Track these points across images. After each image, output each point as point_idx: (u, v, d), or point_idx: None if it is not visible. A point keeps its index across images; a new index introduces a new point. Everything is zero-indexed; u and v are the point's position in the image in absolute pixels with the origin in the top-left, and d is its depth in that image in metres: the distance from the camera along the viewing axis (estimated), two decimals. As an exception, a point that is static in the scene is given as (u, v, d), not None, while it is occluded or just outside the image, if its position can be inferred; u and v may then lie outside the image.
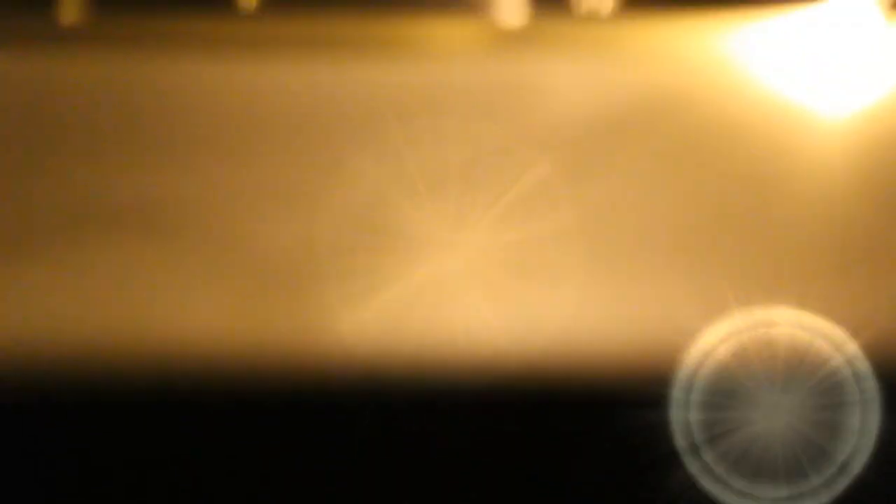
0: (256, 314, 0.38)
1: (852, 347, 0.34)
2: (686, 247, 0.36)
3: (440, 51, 0.41)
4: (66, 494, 0.42)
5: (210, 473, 0.40)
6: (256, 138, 0.39)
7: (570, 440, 0.38)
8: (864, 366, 0.35)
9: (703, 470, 0.36)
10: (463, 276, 0.38)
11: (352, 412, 0.38)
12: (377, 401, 0.37)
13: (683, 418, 0.35)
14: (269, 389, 0.37)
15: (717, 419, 0.36)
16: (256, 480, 0.40)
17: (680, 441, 0.36)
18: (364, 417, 0.38)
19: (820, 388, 0.35)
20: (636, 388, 0.35)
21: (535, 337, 0.36)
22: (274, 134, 0.39)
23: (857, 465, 0.36)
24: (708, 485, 0.36)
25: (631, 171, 0.37)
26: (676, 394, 0.35)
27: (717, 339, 0.35)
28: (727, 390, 0.36)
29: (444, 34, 0.40)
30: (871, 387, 0.35)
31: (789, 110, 0.37)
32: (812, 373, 0.35)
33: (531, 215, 0.37)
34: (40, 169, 0.40)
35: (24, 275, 0.39)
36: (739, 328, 0.35)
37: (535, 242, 0.36)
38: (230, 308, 0.38)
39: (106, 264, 0.39)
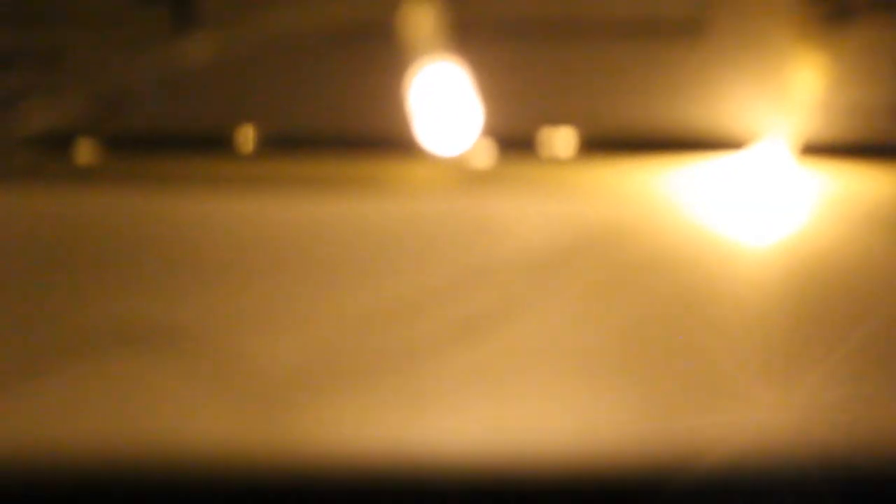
0: (256, 425, 0.42)
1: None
2: (626, 360, 0.40)
3: (417, 189, 0.45)
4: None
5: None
6: (255, 265, 0.44)
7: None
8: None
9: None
10: (440, 387, 0.42)
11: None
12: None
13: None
14: (268, 497, 0.41)
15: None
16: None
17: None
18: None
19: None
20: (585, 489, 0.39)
21: (501, 444, 0.41)
22: (270, 261, 0.44)
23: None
24: None
25: (582, 294, 0.41)
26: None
27: (658, 441, 0.39)
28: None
29: (421, 174, 0.45)
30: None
31: (716, 242, 0.41)
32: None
33: (493, 334, 0.42)
34: (57, 294, 0.44)
35: (42, 389, 0.43)
36: (676, 432, 0.39)
37: (497, 357, 0.41)
38: (231, 418, 0.42)
39: (117, 379, 0.43)
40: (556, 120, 0.45)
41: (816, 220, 0.45)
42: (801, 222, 0.42)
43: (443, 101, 0.42)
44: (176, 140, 0.49)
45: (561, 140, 0.46)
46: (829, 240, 0.44)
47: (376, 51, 0.45)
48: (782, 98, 0.45)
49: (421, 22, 0.42)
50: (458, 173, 0.46)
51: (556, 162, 0.46)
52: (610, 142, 0.45)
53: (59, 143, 0.47)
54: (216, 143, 0.49)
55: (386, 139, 0.46)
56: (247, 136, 0.49)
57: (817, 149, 0.45)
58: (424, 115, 0.42)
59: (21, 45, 0.49)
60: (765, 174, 0.43)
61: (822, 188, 0.46)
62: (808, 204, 0.45)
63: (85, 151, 0.48)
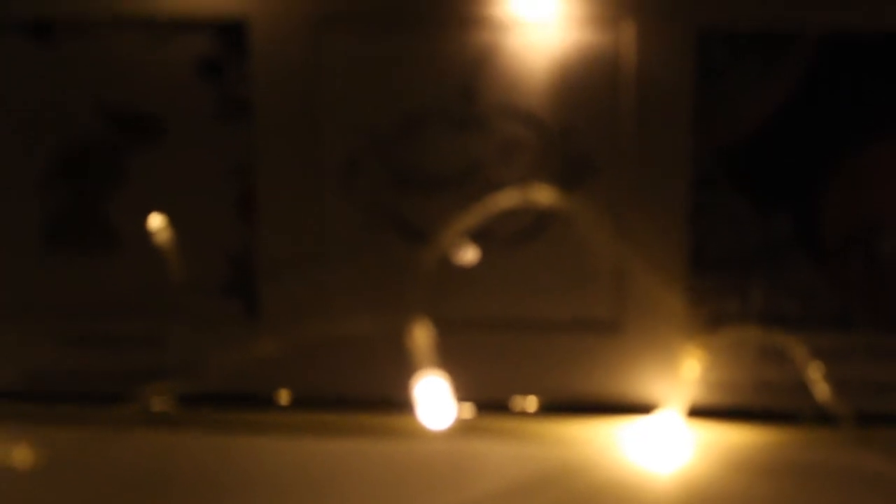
0: None
1: None
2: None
3: (414, 436, 0.61)
4: None
5: None
6: (285, 492, 0.58)
7: None
8: None
9: None
10: None
11: None
12: None
13: None
14: None
15: None
16: None
17: None
18: None
19: None
20: None
21: None
22: (309, 495, 0.58)
23: None
24: None
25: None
26: None
27: None
28: None
29: (416, 425, 0.60)
30: None
31: (633, 478, 0.58)
32: None
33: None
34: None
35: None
36: None
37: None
38: None
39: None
40: (521, 390, 0.63)
41: (701, 465, 0.62)
42: (690, 466, 0.59)
43: (436, 375, 0.58)
44: (230, 397, 0.64)
45: (526, 403, 0.63)
46: (709, 479, 0.60)
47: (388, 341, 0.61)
48: (676, 376, 0.62)
49: (421, 338, 0.59)
50: (446, 426, 0.62)
51: (521, 418, 0.63)
52: (559, 406, 0.63)
53: (139, 395, 0.62)
54: (261, 399, 0.65)
55: (390, 398, 0.62)
56: (284, 395, 0.64)
57: (699, 412, 0.63)
58: (422, 382, 0.58)
59: (123, 331, 0.64)
60: (666, 431, 0.60)
61: (704, 441, 0.63)
62: (695, 453, 0.62)
63: (158, 402, 0.63)
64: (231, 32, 0.62)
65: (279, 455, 0.64)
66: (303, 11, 0.61)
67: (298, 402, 0.65)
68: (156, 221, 0.65)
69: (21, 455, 0.59)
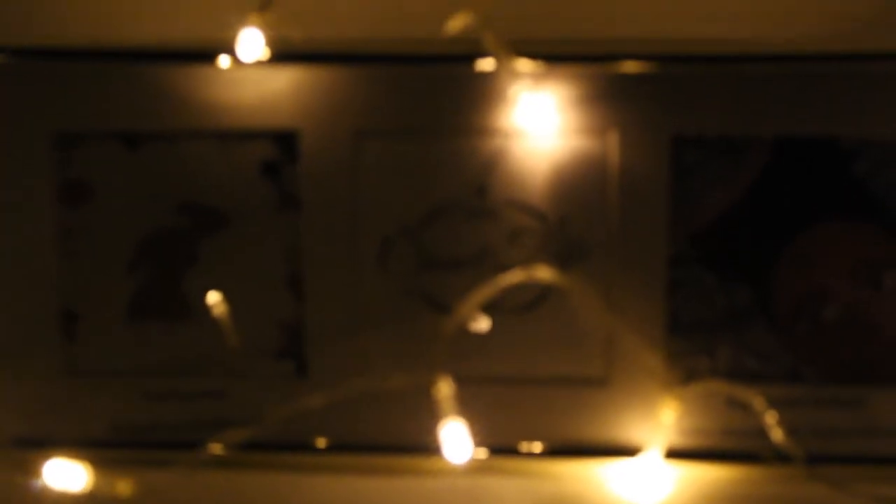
0: None
1: None
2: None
3: (436, 475, 0.71)
4: None
5: None
6: None
7: None
8: None
9: None
10: None
11: None
12: None
13: None
14: None
15: None
16: None
17: None
18: None
19: None
20: None
21: None
22: None
23: None
24: None
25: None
26: None
27: None
28: None
29: (439, 466, 0.70)
30: None
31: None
32: None
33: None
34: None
35: None
36: None
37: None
38: None
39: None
40: (527, 435, 0.73)
41: (677, 499, 0.72)
42: (668, 500, 0.69)
43: (456, 423, 0.68)
44: (282, 443, 0.74)
45: (531, 447, 0.73)
46: None
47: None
48: (656, 423, 0.72)
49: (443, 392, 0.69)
50: (464, 466, 0.72)
51: (527, 459, 0.74)
52: (559, 449, 0.73)
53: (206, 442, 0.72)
54: (307, 445, 0.75)
55: (417, 443, 0.72)
56: (322, 441, 0.75)
57: (675, 454, 0.73)
58: (445, 428, 0.68)
59: (194, 388, 0.75)
60: (647, 470, 0.70)
61: (680, 478, 0.73)
62: (672, 488, 0.71)
63: (222, 448, 0.72)
64: (286, 140, 0.72)
65: (320, 492, 0.74)
66: (343, 125, 0.72)
67: (338, 447, 0.75)
68: (213, 298, 0.75)
69: (120, 488, 0.70)
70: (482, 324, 0.72)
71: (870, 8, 1.10)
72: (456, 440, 0.67)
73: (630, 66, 0.71)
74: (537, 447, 0.75)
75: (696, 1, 1.13)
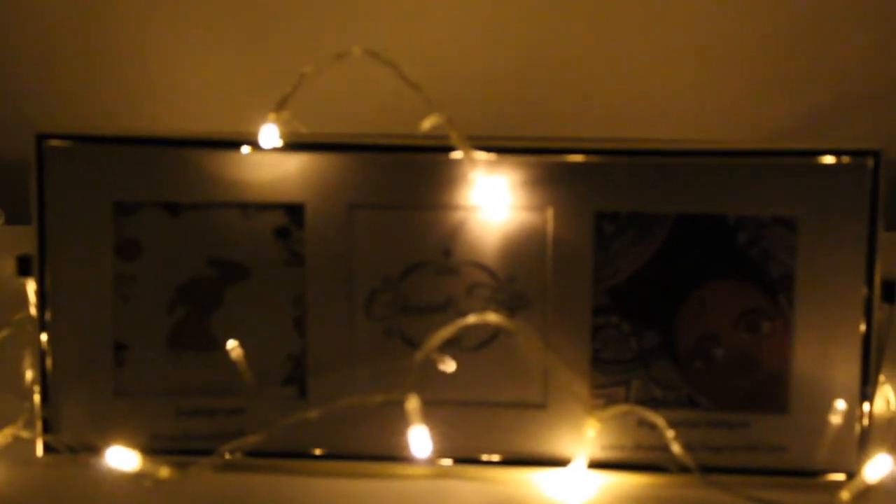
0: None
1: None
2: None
3: (407, 478, 0.83)
4: None
5: None
6: None
7: None
8: None
9: None
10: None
11: None
12: None
13: None
14: None
15: None
16: None
17: None
18: None
19: None
20: None
21: None
22: None
23: None
24: None
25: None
26: None
27: None
28: None
29: (408, 471, 0.83)
30: None
31: None
32: None
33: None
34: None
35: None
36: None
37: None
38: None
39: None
40: (480, 449, 0.84)
41: (599, 499, 0.81)
42: (592, 500, 0.81)
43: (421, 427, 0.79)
44: (286, 452, 0.86)
45: (487, 457, 0.85)
46: None
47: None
48: (582, 440, 0.82)
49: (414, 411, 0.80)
50: (433, 471, 0.85)
51: (481, 467, 0.84)
52: (507, 460, 0.84)
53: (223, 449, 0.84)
54: (305, 453, 0.87)
55: (394, 453, 0.83)
56: (319, 450, 0.85)
57: (597, 465, 0.83)
58: (412, 432, 0.78)
59: (217, 406, 0.86)
60: (576, 477, 0.82)
61: (601, 484, 0.83)
62: (595, 492, 0.82)
63: (236, 454, 0.83)
64: (295, 211, 0.85)
65: (317, 491, 0.84)
66: (340, 199, 0.84)
67: (332, 456, 0.85)
68: (231, 344, 0.86)
69: (162, 472, 0.81)
70: (449, 366, 0.83)
71: (746, 118, 1.30)
72: (420, 441, 0.79)
73: (563, 158, 0.83)
74: (491, 457, 0.85)
75: (612, 112, 1.34)
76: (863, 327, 0.83)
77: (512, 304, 0.85)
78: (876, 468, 0.81)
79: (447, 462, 0.85)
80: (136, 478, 0.81)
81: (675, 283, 0.84)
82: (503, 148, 0.84)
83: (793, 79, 1.31)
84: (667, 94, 1.31)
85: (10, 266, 0.87)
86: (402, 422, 0.80)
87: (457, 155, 0.83)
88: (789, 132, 1.29)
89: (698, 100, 1.31)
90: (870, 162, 0.82)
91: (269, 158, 0.85)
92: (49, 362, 0.86)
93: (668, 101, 1.32)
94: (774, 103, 1.32)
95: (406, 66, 0.83)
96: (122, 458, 0.81)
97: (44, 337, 0.86)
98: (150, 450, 0.84)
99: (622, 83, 1.31)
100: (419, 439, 0.79)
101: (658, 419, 0.82)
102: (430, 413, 0.80)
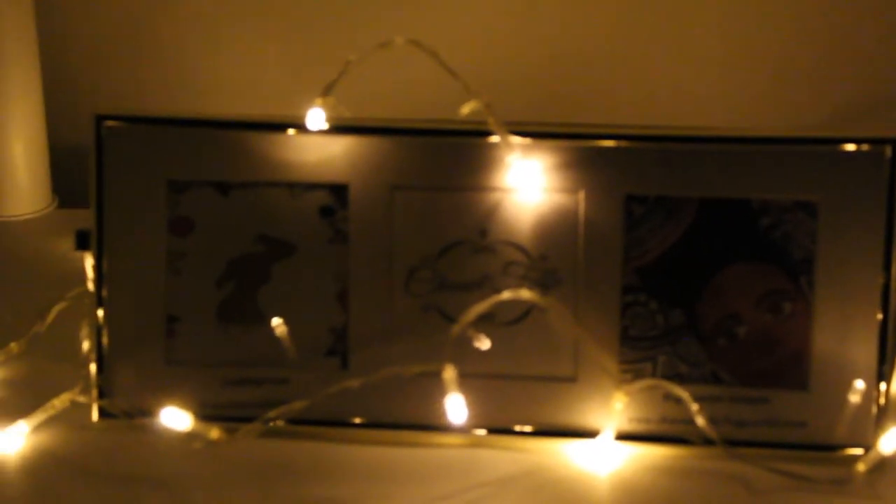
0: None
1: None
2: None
3: (443, 447, 0.87)
4: None
5: None
6: (364, 484, 0.84)
7: None
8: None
9: None
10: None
11: None
12: None
13: None
14: None
15: None
16: None
17: None
18: None
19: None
20: None
21: None
22: (374, 483, 0.83)
23: None
24: None
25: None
26: None
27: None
28: None
29: (445, 440, 0.86)
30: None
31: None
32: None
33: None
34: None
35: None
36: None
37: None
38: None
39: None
40: (514, 420, 0.88)
41: (626, 470, 0.85)
42: (619, 470, 0.85)
43: (459, 403, 0.82)
44: (321, 420, 0.89)
45: (519, 428, 0.88)
46: (632, 478, 0.84)
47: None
48: (611, 413, 0.85)
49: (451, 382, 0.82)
50: (468, 441, 0.88)
51: (513, 437, 0.88)
52: (538, 431, 0.88)
53: (270, 417, 0.88)
54: (347, 422, 0.89)
55: (432, 422, 0.87)
56: (358, 419, 0.88)
57: (625, 437, 0.86)
58: (448, 400, 0.81)
59: (264, 376, 0.89)
60: (604, 448, 0.85)
61: (628, 455, 0.86)
62: (622, 462, 0.85)
63: (282, 422, 0.87)
64: (339, 191, 0.88)
65: (357, 458, 0.87)
66: (382, 180, 0.88)
67: (371, 424, 0.89)
68: (276, 321, 0.90)
69: (213, 433, 0.85)
70: (484, 343, 0.86)
71: (771, 107, 1.32)
72: (456, 408, 0.83)
73: (595, 143, 0.87)
74: (523, 428, 0.88)
75: (640, 101, 1.37)
76: (880, 309, 0.86)
77: (545, 281, 0.88)
78: (891, 441, 0.84)
79: (481, 432, 0.88)
80: (187, 439, 0.85)
81: (700, 264, 0.87)
82: (538, 133, 0.87)
83: (819, 71, 1.34)
84: (694, 83, 1.35)
85: (65, 244, 0.91)
86: (438, 392, 0.83)
87: (494, 139, 0.87)
88: (814, 126, 1.32)
89: (725, 91, 1.34)
90: (888, 150, 0.85)
91: (315, 141, 0.88)
92: (105, 333, 0.90)
93: (696, 91, 1.35)
94: (800, 95, 1.35)
95: (446, 54, 0.87)
96: (174, 419, 0.85)
97: (100, 309, 0.90)
98: (199, 417, 0.87)
99: (650, 73, 1.35)
100: (455, 407, 0.83)
101: (683, 394, 0.85)
102: (466, 385, 0.83)
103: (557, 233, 0.88)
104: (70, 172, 1.32)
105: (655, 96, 1.35)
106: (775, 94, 1.35)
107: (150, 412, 0.87)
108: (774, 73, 1.34)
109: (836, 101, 1.34)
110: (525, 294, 0.85)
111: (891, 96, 1.34)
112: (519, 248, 0.88)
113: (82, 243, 0.90)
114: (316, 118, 0.87)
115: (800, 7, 1.32)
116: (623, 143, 0.87)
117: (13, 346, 0.98)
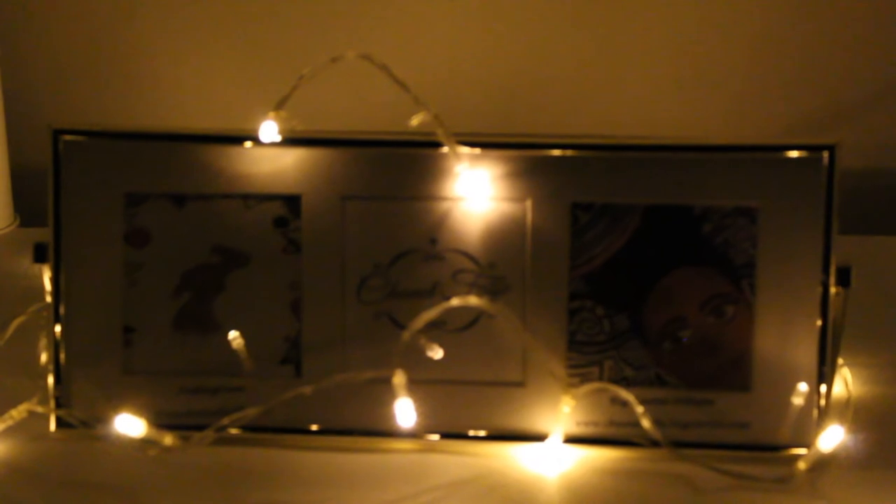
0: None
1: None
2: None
3: (396, 452, 0.88)
4: None
5: None
6: (320, 488, 0.84)
7: None
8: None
9: None
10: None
11: None
12: None
13: None
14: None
15: None
16: None
17: None
18: None
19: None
20: None
21: None
22: (328, 487, 0.84)
23: None
24: None
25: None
26: None
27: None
28: None
29: (397, 445, 0.87)
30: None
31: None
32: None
33: None
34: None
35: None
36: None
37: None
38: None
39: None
40: (465, 425, 0.89)
41: (574, 472, 0.85)
42: (567, 472, 0.86)
43: (408, 408, 0.83)
44: (282, 427, 0.90)
45: (469, 433, 0.89)
46: (580, 480, 0.85)
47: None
48: (559, 417, 0.88)
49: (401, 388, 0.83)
50: (420, 445, 0.89)
51: (463, 441, 0.89)
52: (488, 435, 0.88)
53: (225, 425, 0.89)
54: (301, 428, 0.90)
55: (384, 428, 0.87)
56: (314, 426, 0.90)
57: (572, 440, 0.87)
58: (398, 404, 0.82)
59: (219, 385, 0.89)
60: (552, 451, 0.86)
61: (576, 457, 0.87)
62: (570, 464, 0.86)
63: (237, 429, 0.88)
64: (292, 202, 0.89)
65: (312, 464, 0.88)
66: (334, 191, 0.89)
67: (326, 431, 0.89)
68: (232, 334, 0.90)
69: (167, 440, 0.85)
70: (437, 353, 0.86)
71: (732, 121, 1.34)
72: (406, 412, 0.83)
73: (541, 152, 0.88)
74: (473, 433, 0.89)
75: (601, 116, 1.39)
76: (820, 312, 0.87)
77: (493, 288, 0.90)
78: (831, 440, 0.86)
79: (433, 437, 0.89)
80: (142, 446, 0.86)
81: (644, 269, 0.89)
82: (485, 143, 0.88)
83: (786, 84, 1.37)
84: (657, 97, 1.37)
85: (26, 262, 0.92)
86: (391, 398, 0.84)
87: (442, 150, 0.88)
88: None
89: (684, 106, 1.36)
90: (825, 156, 0.87)
91: (269, 153, 0.90)
92: (62, 343, 0.91)
93: (660, 105, 1.37)
94: (771, 106, 1.38)
95: (400, 68, 0.88)
96: (129, 426, 0.86)
97: (57, 321, 0.91)
98: (156, 425, 0.87)
99: (612, 88, 1.37)
100: (404, 412, 0.83)
101: (629, 397, 0.86)
102: (416, 391, 0.84)
103: (505, 241, 0.89)
104: (31, 191, 1.32)
105: (616, 112, 1.37)
106: (736, 109, 1.37)
107: (107, 421, 0.87)
108: (735, 88, 1.37)
109: (792, 116, 1.37)
110: (474, 301, 0.86)
111: (845, 112, 1.36)
112: (468, 255, 0.89)
113: (40, 256, 0.91)
114: (269, 131, 0.88)
115: (760, 24, 1.34)
116: (569, 153, 0.88)
117: (-27, 359, 0.98)
